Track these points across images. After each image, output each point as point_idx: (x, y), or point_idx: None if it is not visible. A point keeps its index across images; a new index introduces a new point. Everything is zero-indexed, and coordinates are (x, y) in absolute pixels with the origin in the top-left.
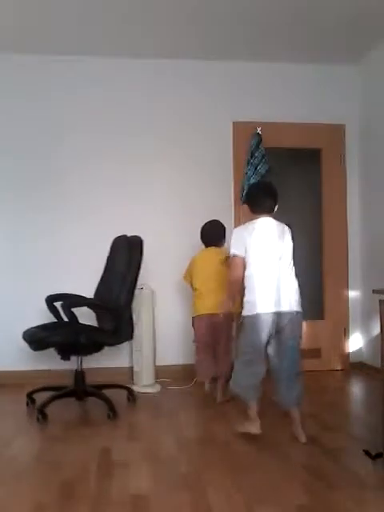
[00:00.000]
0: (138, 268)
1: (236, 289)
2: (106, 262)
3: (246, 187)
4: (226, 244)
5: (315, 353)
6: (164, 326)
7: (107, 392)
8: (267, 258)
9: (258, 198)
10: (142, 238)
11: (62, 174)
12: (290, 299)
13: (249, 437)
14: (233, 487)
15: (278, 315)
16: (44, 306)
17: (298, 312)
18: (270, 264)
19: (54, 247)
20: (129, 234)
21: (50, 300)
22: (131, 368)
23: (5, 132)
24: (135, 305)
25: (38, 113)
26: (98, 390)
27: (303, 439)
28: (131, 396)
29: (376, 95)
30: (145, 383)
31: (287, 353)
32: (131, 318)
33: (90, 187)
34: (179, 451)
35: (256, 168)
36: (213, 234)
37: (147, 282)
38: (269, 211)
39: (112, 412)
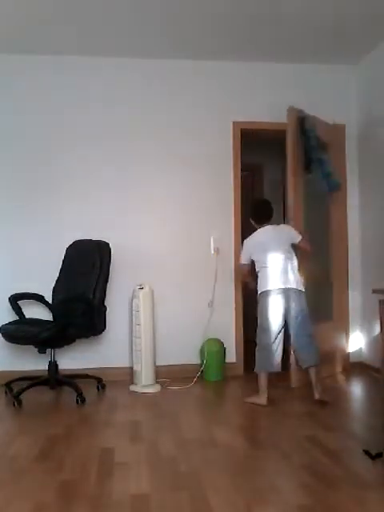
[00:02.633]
0: (109, 268)
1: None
2: (72, 264)
3: (333, 172)
4: None
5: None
6: (164, 326)
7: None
8: None
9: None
10: (142, 238)
11: (60, 174)
12: None
13: (248, 437)
14: (232, 487)
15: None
16: None
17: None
18: None
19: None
20: (129, 235)
21: (14, 299)
22: (131, 368)
23: (4, 132)
24: (135, 305)
25: (37, 112)
26: (68, 379)
27: (316, 396)
28: (100, 385)
29: (375, 95)
30: (145, 383)
31: None
32: (105, 312)
33: (90, 188)
34: (179, 451)
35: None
36: None
37: (147, 282)
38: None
39: (80, 398)
